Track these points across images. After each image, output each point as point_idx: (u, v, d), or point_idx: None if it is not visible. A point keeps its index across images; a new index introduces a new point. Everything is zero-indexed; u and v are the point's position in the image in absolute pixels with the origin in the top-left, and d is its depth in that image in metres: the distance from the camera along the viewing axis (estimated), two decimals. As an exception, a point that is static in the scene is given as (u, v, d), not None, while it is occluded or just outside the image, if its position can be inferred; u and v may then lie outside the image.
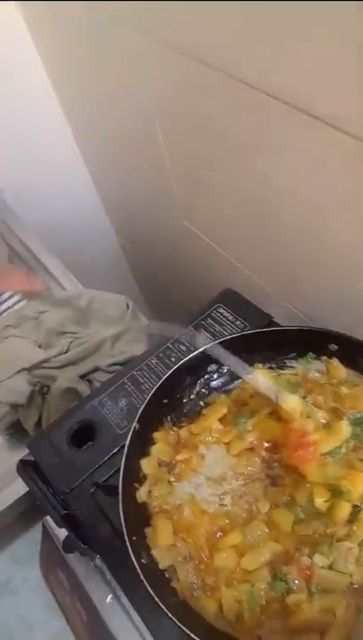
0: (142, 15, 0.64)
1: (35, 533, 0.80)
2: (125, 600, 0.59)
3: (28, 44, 0.99)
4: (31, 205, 1.14)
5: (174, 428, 0.59)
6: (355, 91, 0.43)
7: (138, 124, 0.83)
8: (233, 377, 0.62)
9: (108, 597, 0.63)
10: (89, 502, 0.60)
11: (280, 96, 0.51)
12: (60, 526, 0.60)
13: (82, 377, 0.81)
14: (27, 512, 0.78)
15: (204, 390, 0.62)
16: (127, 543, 0.48)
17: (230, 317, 0.71)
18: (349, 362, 0.57)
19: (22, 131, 1.09)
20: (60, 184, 1.20)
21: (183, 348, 0.70)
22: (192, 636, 0.42)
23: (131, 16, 0.66)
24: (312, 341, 0.59)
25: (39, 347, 0.84)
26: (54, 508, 0.60)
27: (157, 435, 0.57)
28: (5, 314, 0.93)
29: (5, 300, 0.98)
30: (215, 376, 0.63)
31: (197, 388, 0.62)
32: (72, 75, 0.97)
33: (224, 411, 0.57)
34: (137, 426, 0.55)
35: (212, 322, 0.72)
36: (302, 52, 0.45)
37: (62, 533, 0.62)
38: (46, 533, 0.72)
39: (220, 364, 0.63)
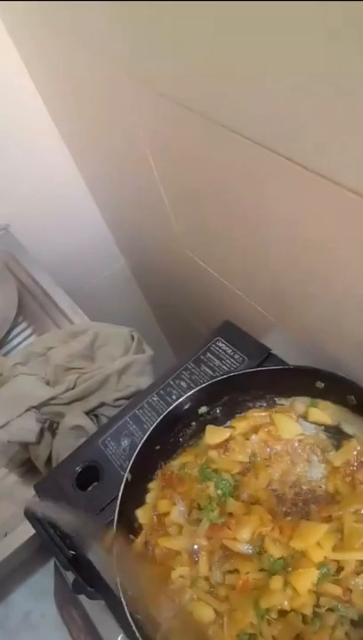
0: (134, 63, 0.65)
1: (52, 567, 0.81)
2: (134, 642, 0.60)
3: (28, 85, 1.02)
4: (39, 238, 1.17)
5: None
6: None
7: (134, 162, 0.84)
8: (226, 418, 0.62)
9: (119, 637, 0.64)
10: (93, 546, 0.61)
11: (271, 146, 0.50)
12: (66, 569, 0.61)
13: (89, 412, 0.82)
14: (43, 547, 0.80)
15: (197, 433, 0.62)
16: (122, 600, 0.48)
17: (229, 351, 0.71)
18: (336, 399, 0.57)
19: (26, 166, 1.12)
20: (66, 214, 1.22)
21: (184, 384, 0.70)
22: None
23: (121, 61, 0.67)
24: (301, 379, 0.59)
25: (47, 383, 0.85)
26: (61, 551, 0.62)
27: (151, 484, 0.58)
28: (15, 350, 0.96)
29: (16, 336, 1.00)
30: (208, 418, 0.62)
31: (189, 432, 0.62)
32: (71, 111, 0.99)
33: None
34: (129, 476, 0.55)
35: (211, 356, 0.72)
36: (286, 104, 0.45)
37: (72, 575, 0.63)
38: (58, 571, 0.73)
39: (211, 406, 0.62)
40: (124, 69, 0.67)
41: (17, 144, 1.08)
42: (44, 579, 0.83)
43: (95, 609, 0.66)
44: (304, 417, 0.58)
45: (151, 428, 0.57)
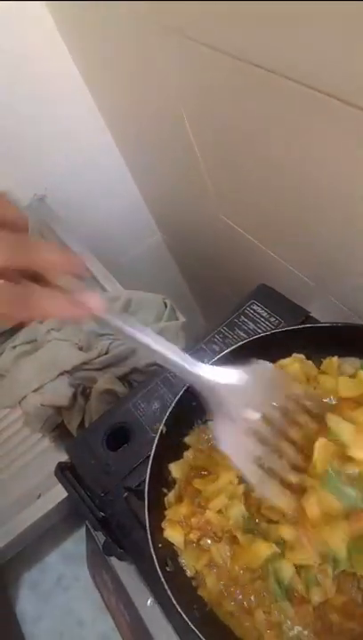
0: (162, 11, 0.62)
1: (84, 532, 0.81)
2: (164, 605, 0.59)
3: (64, 54, 1.01)
4: (76, 209, 1.16)
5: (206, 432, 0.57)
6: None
7: (168, 121, 0.82)
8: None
9: (149, 601, 0.63)
10: (123, 506, 0.60)
11: (309, 83, 0.47)
12: (96, 530, 0.60)
13: (121, 378, 0.81)
14: (75, 510, 0.80)
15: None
16: (152, 550, 0.47)
17: (264, 314, 0.68)
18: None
19: (62, 137, 1.11)
20: (103, 186, 1.21)
21: (216, 348, 0.68)
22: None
23: (149, 13, 0.65)
24: (350, 338, 0.55)
25: (80, 349, 0.85)
26: (91, 512, 0.61)
27: (188, 439, 0.56)
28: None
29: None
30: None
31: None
32: (107, 79, 0.97)
33: None
34: (164, 429, 0.54)
35: (245, 319, 0.69)
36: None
37: (102, 536, 0.62)
38: (90, 534, 0.73)
39: (251, 364, 0.60)
40: (155, 19, 0.65)
41: (51, 115, 1.08)
42: (77, 543, 0.84)
43: (126, 572, 0.66)
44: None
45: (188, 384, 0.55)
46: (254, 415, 0.41)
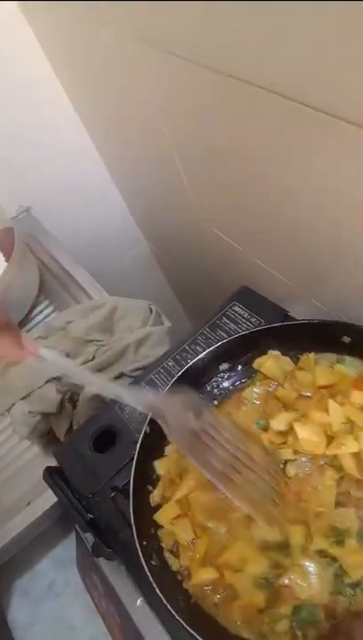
0: (144, 25, 0.64)
1: (74, 539, 0.82)
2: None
3: (48, 70, 1.03)
4: (60, 220, 1.18)
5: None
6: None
7: (151, 135, 0.84)
8: (245, 375, 0.61)
9: (138, 600, 0.63)
10: (110, 507, 0.61)
11: (289, 95, 0.48)
12: (84, 531, 0.61)
13: (108, 383, 0.82)
14: (64, 516, 0.81)
15: (215, 391, 0.61)
16: (137, 545, 0.48)
17: (246, 315, 0.70)
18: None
19: (47, 149, 1.13)
20: (88, 197, 1.23)
21: (199, 349, 0.69)
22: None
23: (130, 26, 0.67)
24: (326, 334, 0.57)
25: (67, 356, 0.86)
26: (79, 514, 0.62)
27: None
28: (37, 327, 0.97)
29: (38, 314, 1.02)
30: (226, 375, 0.62)
31: (208, 389, 0.61)
32: (91, 94, 1.00)
33: None
34: (148, 429, 0.56)
35: (227, 320, 0.71)
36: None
37: (91, 538, 0.63)
38: (79, 538, 0.74)
39: (232, 363, 0.62)
40: (136, 35, 0.67)
41: (37, 128, 1.10)
42: (67, 549, 0.84)
43: (115, 573, 0.67)
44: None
45: (171, 383, 0.57)
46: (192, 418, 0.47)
